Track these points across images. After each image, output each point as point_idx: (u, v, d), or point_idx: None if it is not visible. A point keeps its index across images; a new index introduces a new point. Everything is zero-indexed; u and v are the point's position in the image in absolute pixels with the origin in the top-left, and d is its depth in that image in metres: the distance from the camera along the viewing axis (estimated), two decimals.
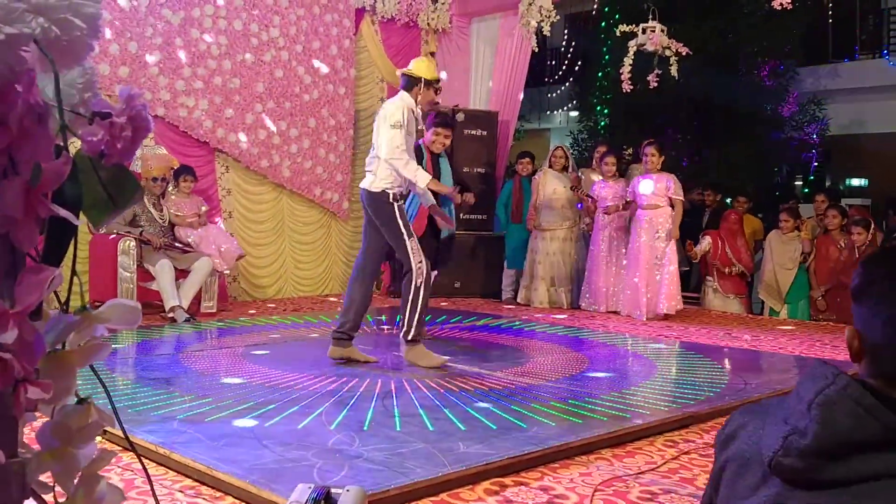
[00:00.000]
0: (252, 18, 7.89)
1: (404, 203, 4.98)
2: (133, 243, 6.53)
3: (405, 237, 4.84)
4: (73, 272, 0.88)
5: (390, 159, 4.78)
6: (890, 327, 1.15)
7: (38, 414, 0.89)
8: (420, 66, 5.08)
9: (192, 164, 7.34)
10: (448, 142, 6.01)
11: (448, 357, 5.00)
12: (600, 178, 8.26)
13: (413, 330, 4.88)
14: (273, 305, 7.90)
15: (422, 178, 4.86)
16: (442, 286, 8.68)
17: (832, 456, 1.10)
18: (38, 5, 0.82)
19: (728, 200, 9.80)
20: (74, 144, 0.87)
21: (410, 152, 4.91)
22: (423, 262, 4.85)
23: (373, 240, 5.02)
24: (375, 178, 4.85)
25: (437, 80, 5.15)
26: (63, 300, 0.89)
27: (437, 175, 5.86)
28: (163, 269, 6.53)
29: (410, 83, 5.01)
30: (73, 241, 0.86)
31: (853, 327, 1.22)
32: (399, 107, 4.88)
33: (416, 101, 4.98)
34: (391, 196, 4.84)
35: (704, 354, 5.69)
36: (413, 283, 4.84)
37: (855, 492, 1.08)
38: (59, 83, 0.82)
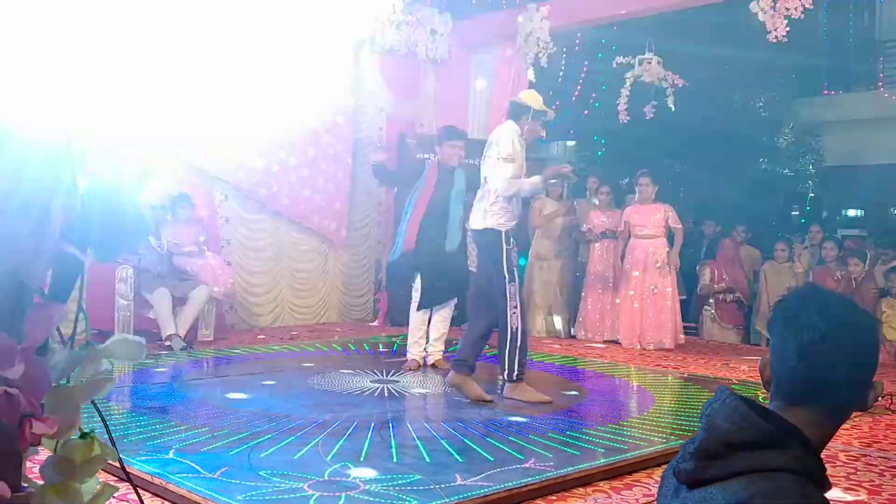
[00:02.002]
0: (252, 49, 7.94)
1: (514, 247, 4.90)
2: (131, 271, 6.53)
3: (506, 281, 4.80)
4: (80, 308, 0.89)
5: (504, 193, 4.79)
6: (784, 356, 1.32)
7: (40, 448, 0.90)
8: (529, 97, 5.05)
9: (192, 193, 7.37)
10: (463, 153, 5.95)
11: (550, 398, 4.88)
12: (595, 208, 8.29)
13: (515, 369, 4.80)
14: (263, 336, 7.88)
15: (530, 183, 4.85)
16: None
17: (714, 455, 1.28)
18: None
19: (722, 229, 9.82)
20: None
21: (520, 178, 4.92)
22: (518, 308, 4.81)
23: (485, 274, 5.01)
24: (486, 216, 4.84)
25: (545, 113, 5.07)
26: (69, 335, 0.90)
27: (449, 187, 5.90)
28: (160, 298, 6.52)
29: (519, 111, 4.95)
30: (80, 278, 0.88)
31: (765, 357, 1.39)
32: (510, 136, 4.85)
33: (521, 131, 4.92)
34: (503, 235, 4.83)
35: (702, 385, 5.68)
36: (508, 327, 4.80)
37: (725, 484, 1.25)
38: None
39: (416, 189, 6.03)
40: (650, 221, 7.59)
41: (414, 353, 6.06)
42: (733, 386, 5.66)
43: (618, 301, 7.88)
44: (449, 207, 5.92)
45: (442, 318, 6.11)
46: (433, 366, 6.03)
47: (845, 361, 1.28)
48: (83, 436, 0.90)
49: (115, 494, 3.00)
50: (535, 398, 4.82)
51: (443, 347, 6.12)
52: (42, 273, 0.82)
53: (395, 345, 7.02)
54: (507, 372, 4.84)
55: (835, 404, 1.32)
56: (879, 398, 1.38)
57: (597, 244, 8.07)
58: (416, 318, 6.07)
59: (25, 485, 0.88)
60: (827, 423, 1.33)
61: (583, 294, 8.15)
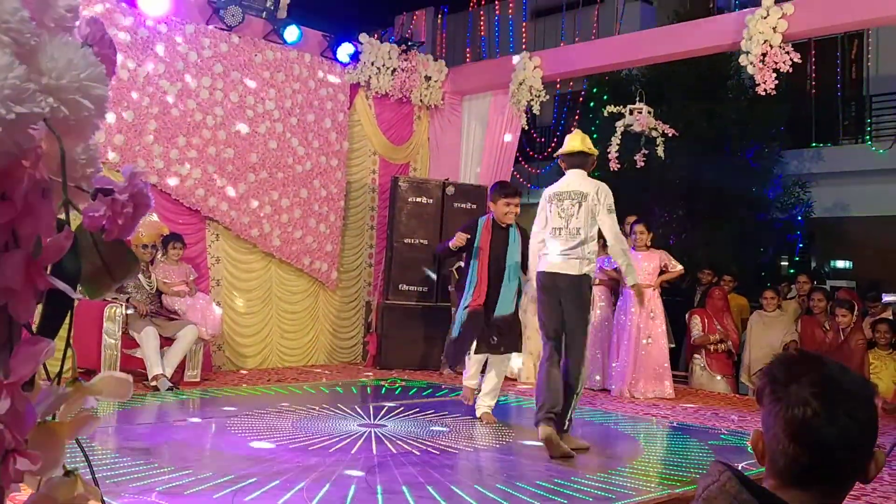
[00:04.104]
0: (248, 91, 8.03)
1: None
2: (119, 310, 6.50)
3: (589, 325, 4.99)
4: (68, 344, 0.89)
5: (617, 245, 4.94)
6: (775, 433, 1.20)
7: (22, 486, 0.89)
8: (591, 145, 5.13)
9: (183, 232, 7.38)
10: (518, 210, 5.78)
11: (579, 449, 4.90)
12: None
13: (571, 422, 4.91)
14: (250, 378, 7.82)
15: (632, 274, 5.07)
16: (430, 358, 8.65)
17: None
18: (48, 86, 0.85)
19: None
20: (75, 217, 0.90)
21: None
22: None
23: (558, 319, 5.02)
24: (582, 263, 4.91)
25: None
26: (56, 371, 0.89)
27: (505, 246, 5.66)
28: (147, 337, 6.48)
29: (589, 161, 5.07)
30: (69, 314, 0.88)
31: (758, 429, 1.26)
32: (607, 189, 4.97)
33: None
34: (591, 280, 5.02)
35: (691, 435, 5.66)
36: (581, 373, 4.91)
37: None
38: (65, 161, 0.85)
39: (475, 249, 5.78)
40: (645, 269, 7.61)
41: (470, 384, 5.95)
42: (723, 436, 5.64)
43: (611, 350, 7.87)
44: (504, 268, 5.67)
45: (498, 372, 5.84)
46: (480, 419, 5.76)
47: (843, 439, 1.17)
48: (66, 474, 0.90)
49: None
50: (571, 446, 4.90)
51: (492, 403, 5.84)
52: (31, 308, 0.82)
53: (384, 388, 6.98)
54: (568, 422, 4.88)
55: (834, 483, 1.22)
56: (883, 468, 1.23)
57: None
58: (474, 359, 5.87)
59: None
60: (829, 502, 1.22)
61: None
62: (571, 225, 4.94)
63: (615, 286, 8.07)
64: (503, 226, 5.75)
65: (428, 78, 9.55)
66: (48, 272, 0.84)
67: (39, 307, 0.87)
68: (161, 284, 6.94)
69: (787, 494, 1.19)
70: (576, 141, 5.12)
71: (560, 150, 5.20)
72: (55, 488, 0.88)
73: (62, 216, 0.87)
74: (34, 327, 0.86)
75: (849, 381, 1.21)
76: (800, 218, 12.77)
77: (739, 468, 1.23)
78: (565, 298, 4.93)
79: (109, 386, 0.90)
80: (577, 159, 5.05)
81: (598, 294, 8.08)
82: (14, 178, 0.81)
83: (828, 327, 7.75)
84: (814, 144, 13.79)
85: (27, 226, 0.82)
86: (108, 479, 3.64)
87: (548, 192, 5.19)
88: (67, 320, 0.89)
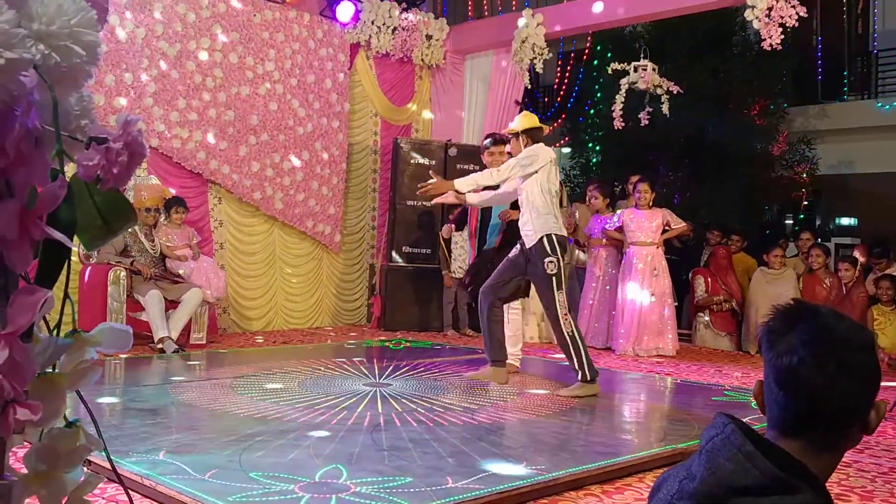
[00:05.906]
0: (248, 52, 7.96)
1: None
2: (123, 273, 6.50)
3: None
4: (66, 295, 0.88)
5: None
6: (768, 382, 1.21)
7: (25, 441, 0.89)
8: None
9: (185, 196, 7.36)
10: (505, 159, 5.91)
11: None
12: (593, 212, 8.33)
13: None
14: (261, 339, 7.86)
15: (466, 186, 5.46)
16: (434, 319, 8.68)
17: (716, 499, 1.14)
18: (39, 32, 0.83)
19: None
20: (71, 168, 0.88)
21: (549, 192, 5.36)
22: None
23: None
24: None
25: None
26: (55, 323, 0.89)
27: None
28: (152, 300, 6.50)
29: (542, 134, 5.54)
30: (66, 264, 0.87)
31: (760, 380, 1.26)
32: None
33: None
34: None
35: (695, 391, 5.69)
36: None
37: None
38: (57, 108, 0.83)
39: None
40: (648, 228, 7.60)
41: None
42: (726, 393, 5.66)
43: (615, 308, 7.88)
44: (492, 212, 6.17)
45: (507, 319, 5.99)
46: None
47: (833, 387, 1.15)
48: (68, 425, 0.90)
49: (106, 496, 2.99)
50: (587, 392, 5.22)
51: (517, 352, 6.20)
52: (28, 258, 0.81)
53: (389, 349, 7.02)
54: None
55: (830, 433, 1.20)
56: (884, 419, 1.22)
57: (595, 249, 8.10)
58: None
59: (8, 473, 0.87)
60: (827, 453, 1.20)
61: (580, 300, 8.15)
62: (555, 191, 5.45)
63: (619, 247, 8.06)
64: None
65: (429, 37, 9.45)
66: (44, 222, 0.83)
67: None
68: (164, 248, 6.94)
69: (785, 444, 1.19)
70: (532, 117, 5.60)
71: (526, 125, 5.54)
72: (57, 439, 0.88)
73: (57, 166, 0.86)
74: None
75: (844, 329, 1.19)
76: (805, 175, 12.68)
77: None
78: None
79: (109, 337, 0.90)
80: (542, 133, 5.55)
81: (604, 255, 8.09)
82: (5, 126, 0.80)
83: (828, 283, 7.74)
84: (819, 101, 13.65)
85: (20, 175, 0.81)
86: (115, 439, 3.67)
87: (550, 153, 5.39)
88: (67, 273, 0.88)
